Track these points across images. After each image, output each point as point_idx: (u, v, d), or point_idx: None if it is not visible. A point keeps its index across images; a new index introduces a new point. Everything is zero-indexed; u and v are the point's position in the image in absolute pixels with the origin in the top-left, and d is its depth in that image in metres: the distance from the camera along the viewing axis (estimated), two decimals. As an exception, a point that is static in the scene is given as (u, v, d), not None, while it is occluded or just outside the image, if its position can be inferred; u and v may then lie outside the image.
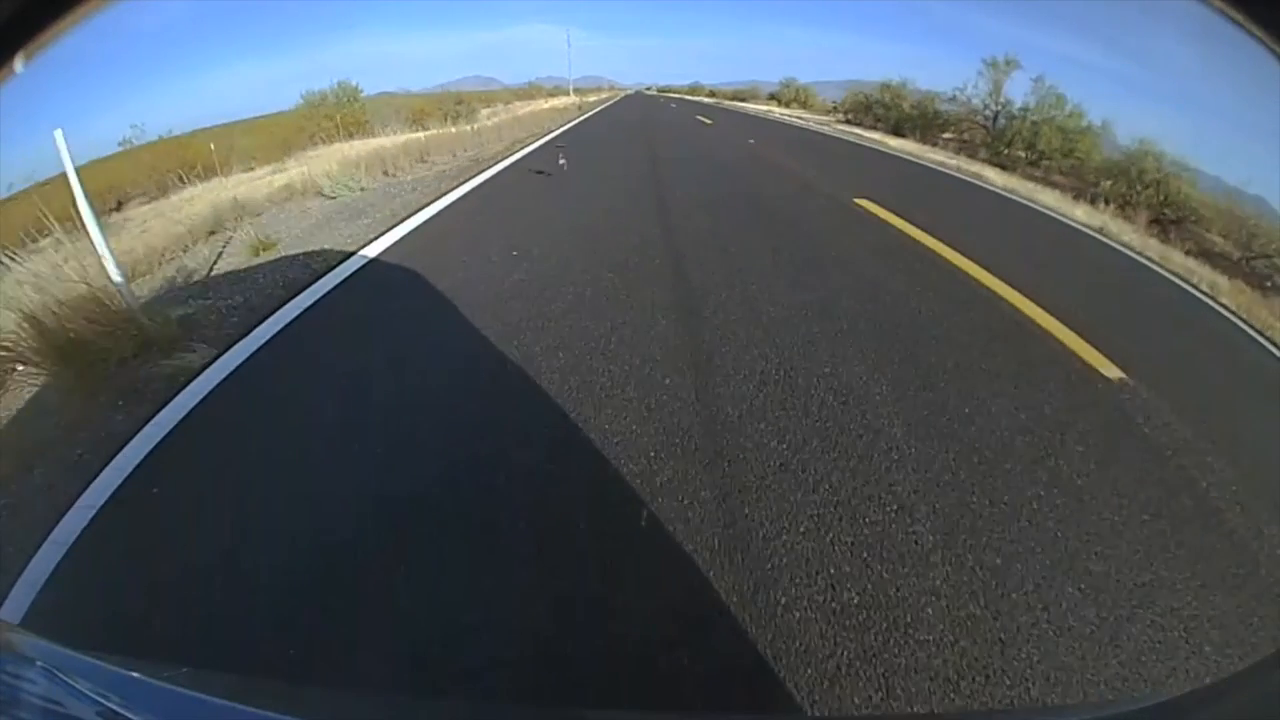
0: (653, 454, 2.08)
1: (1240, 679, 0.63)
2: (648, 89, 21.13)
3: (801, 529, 1.78)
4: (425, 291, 3.44)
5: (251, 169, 6.85)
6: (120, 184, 6.07)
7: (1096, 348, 3.00)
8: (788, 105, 15.08)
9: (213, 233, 4.90)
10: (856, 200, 5.69)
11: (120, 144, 6.72)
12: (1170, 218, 6.34)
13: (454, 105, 9.94)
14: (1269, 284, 5.29)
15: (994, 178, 7.78)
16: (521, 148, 8.16)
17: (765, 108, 15.88)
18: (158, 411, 2.38)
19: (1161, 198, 6.57)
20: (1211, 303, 4.71)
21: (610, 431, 2.19)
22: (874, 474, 2.03)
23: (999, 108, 8.88)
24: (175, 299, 3.48)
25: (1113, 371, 2.83)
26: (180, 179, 6.31)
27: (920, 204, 5.80)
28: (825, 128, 12.29)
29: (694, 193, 5.93)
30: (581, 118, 12.71)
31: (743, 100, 17.62)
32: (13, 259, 3.14)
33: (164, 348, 2.83)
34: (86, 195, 3.18)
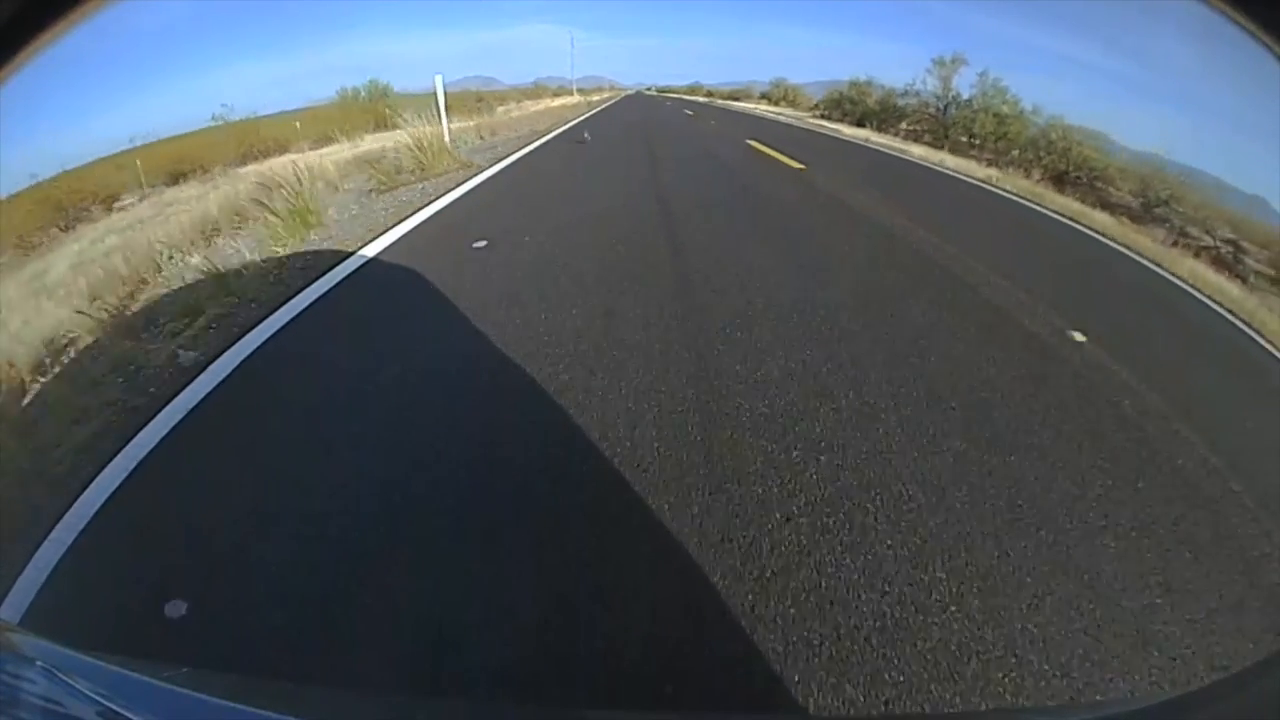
0: (629, 174, 6.97)
1: (1240, 679, 0.63)
2: (647, 89, 21.44)
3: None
4: (550, 160, 7.90)
5: (340, 143, 8.51)
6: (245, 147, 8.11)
7: (802, 164, 7.64)
8: (777, 103, 16.10)
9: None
10: (748, 140, 9.51)
11: (213, 119, 8.47)
12: (1077, 177, 7.97)
13: (475, 103, 11.47)
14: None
15: (916, 150, 9.91)
16: (557, 128, 11.13)
17: (754, 105, 16.90)
18: (461, 185, 5.76)
19: (1065, 162, 8.24)
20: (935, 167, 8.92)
21: (627, 160, 8.00)
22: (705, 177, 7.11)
23: (949, 100, 10.30)
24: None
25: (796, 166, 7.53)
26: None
27: (787, 144, 9.13)
28: (793, 120, 13.93)
29: (667, 142, 10.14)
30: (591, 112, 15.03)
31: (737, 99, 18.49)
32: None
33: (464, 163, 6.74)
34: (445, 104, 7.27)
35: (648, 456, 2.02)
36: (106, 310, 3.50)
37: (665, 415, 2.24)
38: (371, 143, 8.08)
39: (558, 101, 16.42)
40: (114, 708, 0.47)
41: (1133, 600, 1.62)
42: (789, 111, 15.16)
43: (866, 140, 10.81)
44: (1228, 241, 5.67)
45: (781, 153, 8.28)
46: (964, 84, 10.22)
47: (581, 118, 13.23)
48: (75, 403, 2.47)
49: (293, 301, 3.21)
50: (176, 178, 7.02)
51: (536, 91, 16.90)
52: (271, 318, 3.03)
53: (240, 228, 4.74)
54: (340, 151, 7.24)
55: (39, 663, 0.52)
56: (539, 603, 1.52)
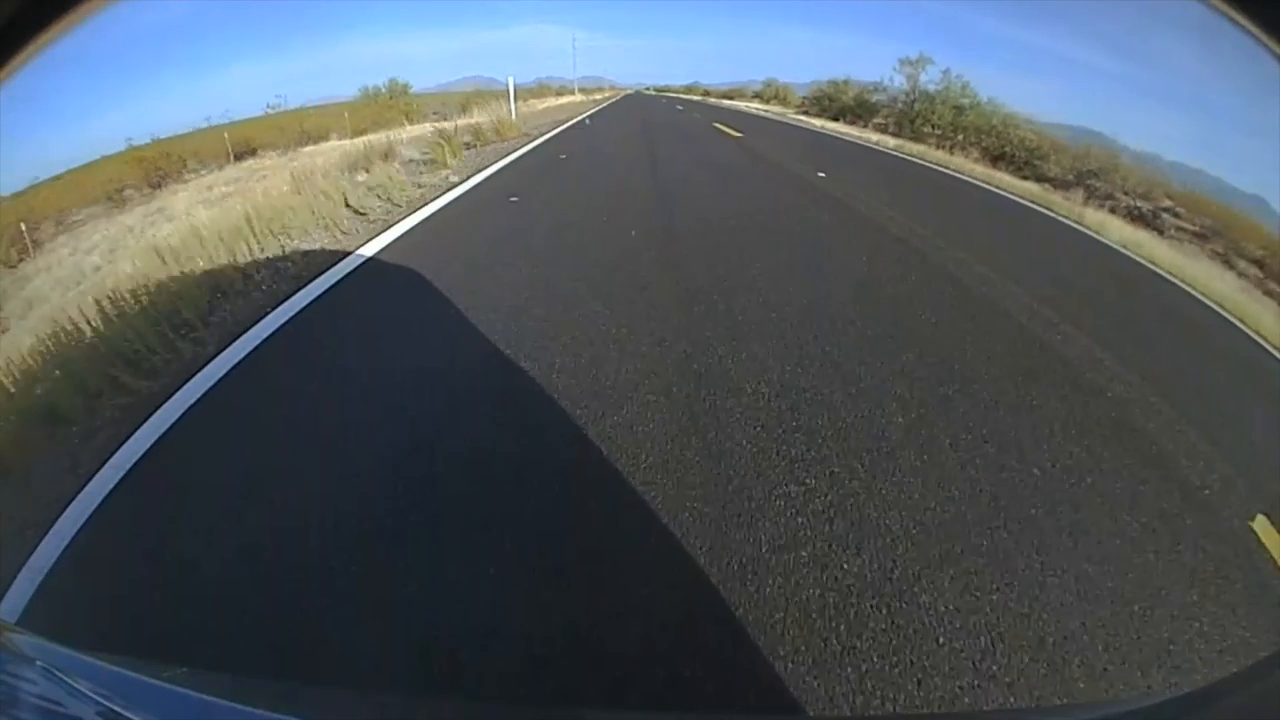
0: (630, 138, 10.36)
1: (1240, 679, 0.62)
2: (646, 88, 21.77)
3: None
4: (580, 131, 10.91)
5: (378, 132, 9.29)
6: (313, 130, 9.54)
7: (743, 134, 10.52)
8: (768, 102, 17.08)
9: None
10: (713, 123, 12.11)
11: (269, 107, 9.57)
12: (1013, 155, 9.00)
13: (490, 99, 12.65)
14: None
15: (869, 136, 11.56)
16: (571, 118, 13.06)
17: (746, 104, 17.76)
18: (505, 156, 7.48)
19: (1004, 143, 9.33)
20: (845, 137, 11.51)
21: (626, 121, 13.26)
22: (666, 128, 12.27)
23: (915, 95, 11.54)
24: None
25: (737, 135, 10.52)
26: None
27: (743, 127, 11.50)
28: (773, 115, 15.41)
29: (656, 125, 12.77)
30: (594, 109, 16.45)
31: (730, 98, 19.08)
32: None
33: (524, 133, 9.34)
34: (515, 93, 10.53)
35: (626, 132, 11.22)
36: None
37: (633, 137, 10.24)
38: (410, 132, 8.91)
39: (562, 100, 17.26)
40: (114, 708, 0.47)
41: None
42: (776, 109, 16.04)
43: (822, 128, 12.81)
44: (1167, 209, 6.59)
45: (732, 129, 11.35)
46: (936, 81, 11.45)
47: (588, 112, 14.89)
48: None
49: (464, 185, 5.88)
50: (238, 155, 8.22)
51: (540, 91, 17.50)
52: (456, 189, 5.69)
53: (370, 169, 6.27)
54: (392, 135, 8.25)
55: (39, 663, 0.52)
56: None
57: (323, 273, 3.47)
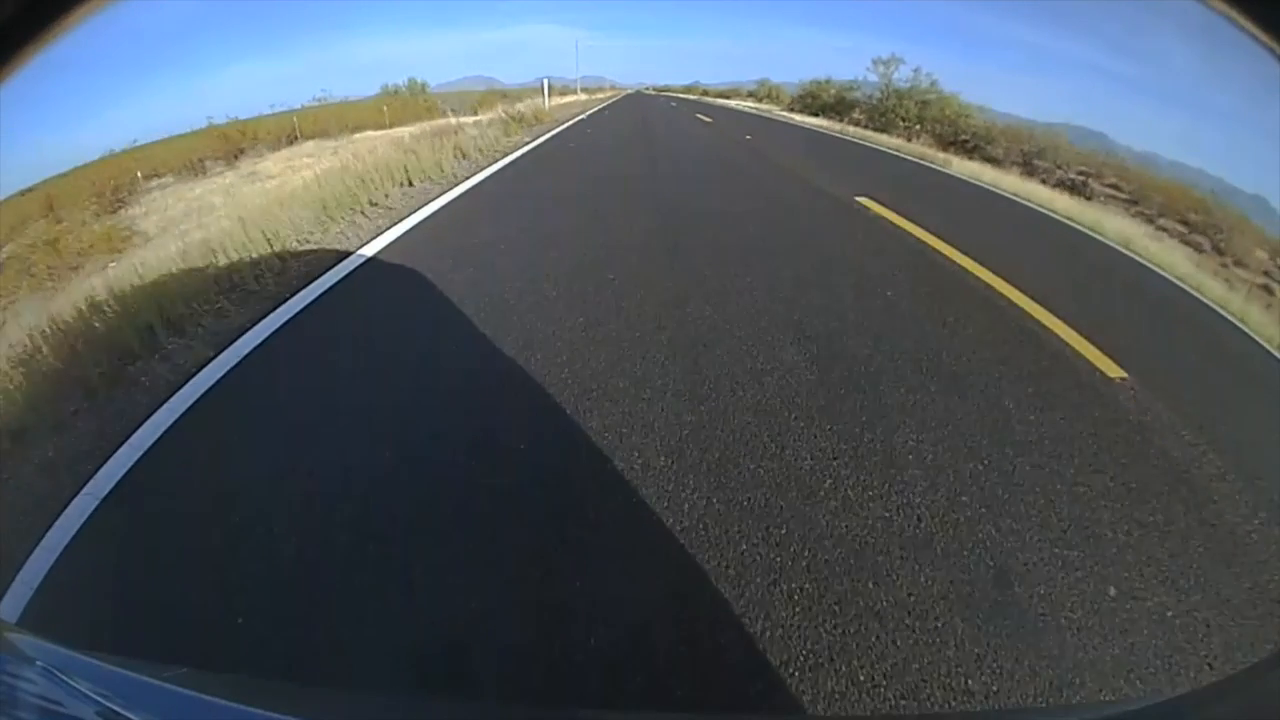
0: (631, 125, 13.11)
1: (1240, 679, 0.62)
2: (647, 88, 22.01)
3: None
4: (593, 119, 13.30)
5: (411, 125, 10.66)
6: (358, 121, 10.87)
7: (712, 120, 13.68)
8: (761, 100, 18.26)
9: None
10: (696, 114, 14.31)
11: (315, 99, 10.83)
12: (963, 141, 10.14)
13: (499, 98, 14.36)
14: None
15: (837, 126, 13.09)
16: (584, 112, 14.95)
17: (740, 102, 18.92)
18: (551, 130, 10.88)
19: (954, 129, 10.63)
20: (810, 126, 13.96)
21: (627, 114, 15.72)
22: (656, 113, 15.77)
23: (888, 92, 12.78)
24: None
25: (707, 119, 14.05)
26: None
27: (719, 116, 13.96)
28: (756, 111, 16.98)
29: (651, 119, 14.05)
30: (598, 107, 17.78)
31: (727, 98, 19.83)
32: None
33: (555, 120, 12.25)
34: (549, 86, 14.19)
35: (629, 119, 13.89)
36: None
37: (634, 121, 13.40)
38: (442, 123, 10.07)
39: (567, 99, 18.18)
40: (114, 708, 0.47)
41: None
42: (767, 106, 17.28)
43: (789, 118, 14.75)
44: (1114, 186, 7.67)
45: (707, 117, 14.03)
46: (907, 79, 12.85)
47: (595, 109, 16.30)
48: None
49: (536, 140, 9.27)
50: (290, 140, 9.59)
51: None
52: (533, 143, 9.02)
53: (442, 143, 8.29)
54: (434, 124, 9.93)
55: (39, 663, 0.52)
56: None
57: (493, 164, 7.08)
